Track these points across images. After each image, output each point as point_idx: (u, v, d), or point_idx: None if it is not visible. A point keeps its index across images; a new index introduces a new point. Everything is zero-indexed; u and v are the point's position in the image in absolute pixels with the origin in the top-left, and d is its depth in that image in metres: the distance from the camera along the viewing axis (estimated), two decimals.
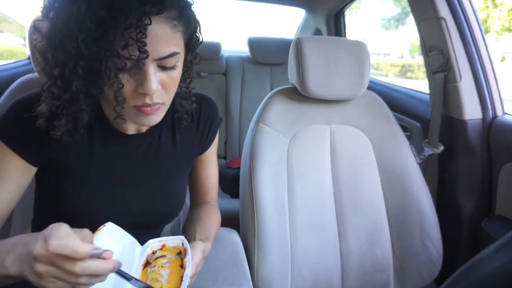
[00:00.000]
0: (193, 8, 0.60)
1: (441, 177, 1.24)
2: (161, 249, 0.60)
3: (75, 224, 0.66)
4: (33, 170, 0.64)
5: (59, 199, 0.65)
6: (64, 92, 0.54)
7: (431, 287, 1.03)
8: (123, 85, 0.52)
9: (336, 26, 2.03)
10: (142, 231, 0.71)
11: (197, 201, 0.85)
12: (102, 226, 0.54)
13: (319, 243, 0.98)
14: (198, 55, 0.65)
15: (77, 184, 0.65)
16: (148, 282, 0.53)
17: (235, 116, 2.06)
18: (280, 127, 1.02)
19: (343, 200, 1.02)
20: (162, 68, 0.56)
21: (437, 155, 1.22)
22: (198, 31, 0.61)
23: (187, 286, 0.53)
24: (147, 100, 0.55)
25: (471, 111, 1.15)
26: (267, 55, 2.09)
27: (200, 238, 0.70)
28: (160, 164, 0.71)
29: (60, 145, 0.61)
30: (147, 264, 0.58)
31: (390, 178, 1.05)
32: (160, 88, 0.56)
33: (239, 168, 1.11)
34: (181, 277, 0.54)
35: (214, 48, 2.08)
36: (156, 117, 0.60)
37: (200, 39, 0.63)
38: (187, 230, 0.76)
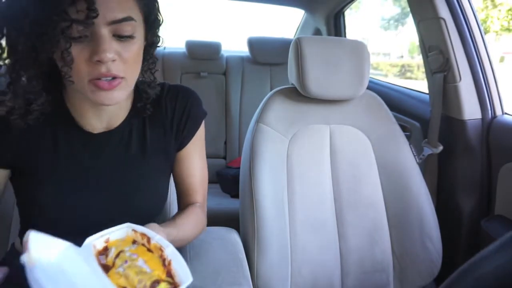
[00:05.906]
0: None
1: (441, 177, 1.24)
2: (106, 245, 0.49)
3: (49, 227, 0.64)
4: (3, 172, 0.63)
5: (29, 203, 0.64)
6: (13, 56, 0.51)
7: (431, 287, 1.03)
8: (71, 45, 0.49)
9: (336, 26, 2.03)
10: None
11: (181, 204, 0.80)
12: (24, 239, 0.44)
13: (319, 242, 0.98)
14: (159, 37, 0.62)
15: (44, 187, 0.62)
16: (135, 278, 0.44)
17: (235, 116, 2.05)
18: (280, 127, 1.02)
19: (343, 200, 1.02)
20: (119, 37, 0.53)
21: (437, 155, 1.22)
22: (158, 9, 0.60)
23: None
24: (103, 70, 0.52)
25: (471, 111, 1.15)
26: (267, 55, 2.09)
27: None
28: (131, 162, 0.67)
29: (26, 148, 0.61)
30: (108, 268, 0.46)
31: (390, 178, 1.05)
32: (117, 58, 0.53)
33: (239, 168, 1.11)
34: (162, 259, 0.47)
35: (214, 48, 2.08)
36: (117, 94, 0.55)
37: (161, 20, 0.60)
38: None
